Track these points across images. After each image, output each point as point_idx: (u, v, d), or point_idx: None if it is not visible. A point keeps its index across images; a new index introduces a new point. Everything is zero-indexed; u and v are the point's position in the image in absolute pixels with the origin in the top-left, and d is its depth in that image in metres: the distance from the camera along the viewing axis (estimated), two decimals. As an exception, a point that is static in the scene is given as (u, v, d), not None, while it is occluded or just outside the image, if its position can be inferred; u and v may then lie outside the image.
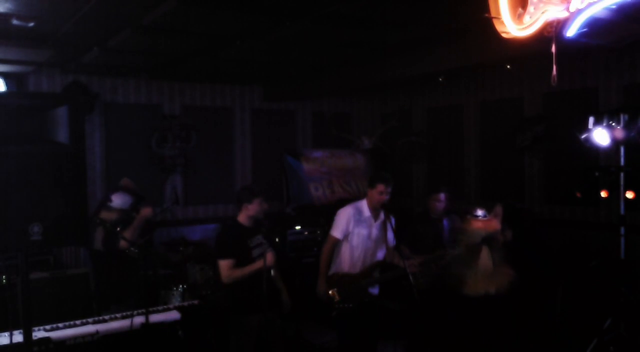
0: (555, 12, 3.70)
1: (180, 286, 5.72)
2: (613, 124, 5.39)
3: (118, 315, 4.27)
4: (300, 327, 6.46)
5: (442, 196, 5.77)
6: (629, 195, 5.53)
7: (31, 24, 4.99)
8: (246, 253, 4.63)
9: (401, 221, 5.43)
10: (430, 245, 5.54)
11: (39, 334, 3.81)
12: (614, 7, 3.71)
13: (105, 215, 4.88)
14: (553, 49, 3.83)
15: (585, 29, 3.74)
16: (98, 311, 4.80)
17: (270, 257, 4.46)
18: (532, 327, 5.82)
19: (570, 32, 3.74)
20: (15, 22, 4.87)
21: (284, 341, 4.92)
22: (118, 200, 4.94)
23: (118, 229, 4.73)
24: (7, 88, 6.96)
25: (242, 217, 4.75)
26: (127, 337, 3.99)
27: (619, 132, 5.36)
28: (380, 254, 5.10)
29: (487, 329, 4.20)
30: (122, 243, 4.69)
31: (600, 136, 5.43)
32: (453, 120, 8.68)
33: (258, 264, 4.53)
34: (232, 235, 4.73)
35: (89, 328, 3.99)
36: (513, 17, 3.80)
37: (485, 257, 4.56)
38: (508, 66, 6.69)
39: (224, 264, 4.61)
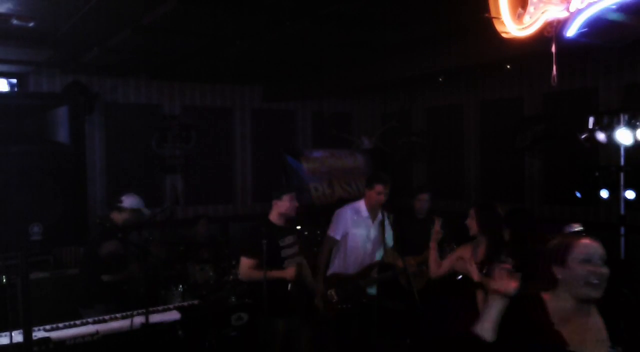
0: (555, 12, 3.70)
1: (180, 286, 5.72)
2: (638, 123, 5.30)
3: (118, 315, 4.27)
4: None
5: (425, 196, 5.80)
6: (630, 195, 5.51)
7: (31, 24, 4.99)
8: (276, 253, 4.52)
9: (400, 221, 5.43)
10: (418, 246, 5.55)
11: (39, 334, 3.81)
12: (614, 7, 3.70)
13: (116, 217, 4.94)
14: (553, 49, 3.83)
15: (585, 29, 3.74)
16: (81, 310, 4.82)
17: (291, 271, 4.44)
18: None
19: (570, 32, 3.74)
20: (15, 22, 4.86)
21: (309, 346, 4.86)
22: (128, 200, 4.97)
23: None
24: (9, 87, 6.98)
25: (274, 216, 4.68)
26: (127, 337, 3.99)
27: None
28: (379, 254, 5.10)
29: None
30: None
31: (623, 136, 5.36)
32: (453, 120, 8.68)
33: (279, 273, 4.45)
34: (261, 234, 4.50)
35: (89, 328, 3.99)
36: (513, 17, 3.80)
37: None
38: (508, 66, 6.68)
39: (245, 263, 4.54)
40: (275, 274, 4.42)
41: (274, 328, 4.50)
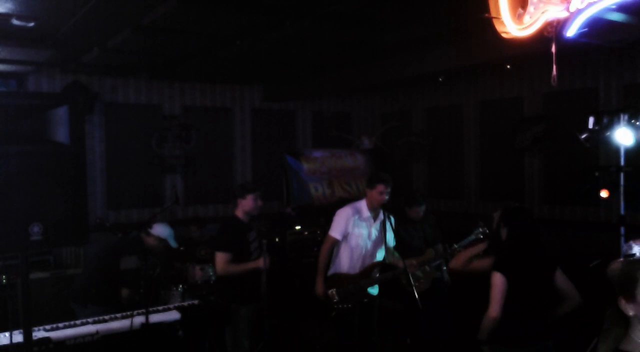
0: (555, 12, 3.70)
1: (180, 286, 5.72)
2: (637, 123, 5.27)
3: (118, 315, 4.27)
4: (300, 326, 6.47)
5: (420, 208, 5.81)
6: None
7: (31, 24, 4.99)
8: (246, 247, 4.87)
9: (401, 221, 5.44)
10: (418, 246, 5.56)
11: (39, 334, 3.81)
12: (614, 7, 3.71)
13: (145, 238, 5.14)
14: (553, 49, 3.83)
15: (585, 29, 3.74)
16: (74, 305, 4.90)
17: (263, 261, 4.74)
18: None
19: (570, 32, 3.74)
20: (15, 22, 4.87)
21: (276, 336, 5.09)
22: (158, 228, 5.18)
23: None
24: (7, 88, 6.99)
25: (239, 213, 4.97)
26: (127, 337, 3.99)
27: None
28: (380, 255, 5.10)
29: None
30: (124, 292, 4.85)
31: (624, 136, 5.35)
32: (453, 120, 8.68)
33: (253, 264, 4.80)
34: (233, 230, 4.93)
35: (89, 328, 3.98)
36: (513, 17, 3.80)
37: None
38: (508, 66, 6.69)
39: (221, 257, 4.82)
40: (251, 266, 4.80)
41: (244, 314, 4.82)
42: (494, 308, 3.48)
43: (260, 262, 4.82)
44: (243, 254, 4.87)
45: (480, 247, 4.25)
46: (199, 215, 8.41)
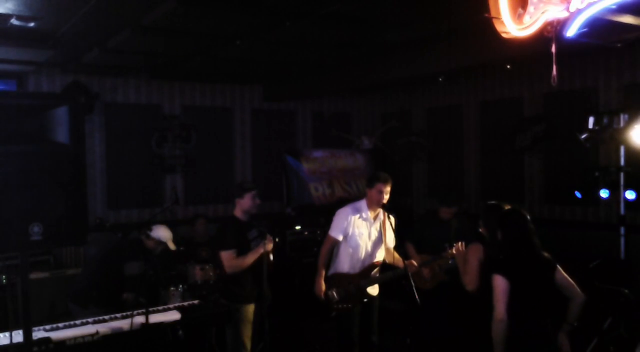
0: (555, 12, 3.70)
1: (180, 286, 5.72)
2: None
3: (118, 315, 4.28)
4: (300, 326, 6.47)
5: (455, 209, 5.75)
6: (630, 195, 5.50)
7: (31, 24, 4.99)
8: (246, 245, 4.89)
9: (401, 220, 5.42)
10: (436, 245, 5.54)
11: (39, 334, 3.81)
12: (614, 7, 3.71)
13: (144, 241, 5.19)
14: (553, 49, 3.83)
15: (585, 29, 3.74)
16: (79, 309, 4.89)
17: (269, 242, 4.76)
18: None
19: (570, 32, 3.74)
20: (15, 22, 4.87)
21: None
22: (157, 231, 5.22)
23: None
24: (9, 88, 7.00)
25: (238, 212, 5.00)
26: (127, 337, 3.99)
27: None
28: (380, 254, 5.10)
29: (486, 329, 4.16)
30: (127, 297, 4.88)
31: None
32: (453, 120, 8.69)
33: (259, 250, 4.77)
34: (232, 228, 4.96)
35: (89, 328, 3.99)
36: (513, 17, 3.80)
37: None
38: (508, 66, 6.69)
39: (226, 255, 4.81)
40: (257, 252, 4.76)
41: (247, 314, 4.85)
42: (499, 310, 3.47)
43: (269, 245, 4.76)
44: (243, 253, 4.90)
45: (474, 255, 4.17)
46: (197, 214, 8.40)
